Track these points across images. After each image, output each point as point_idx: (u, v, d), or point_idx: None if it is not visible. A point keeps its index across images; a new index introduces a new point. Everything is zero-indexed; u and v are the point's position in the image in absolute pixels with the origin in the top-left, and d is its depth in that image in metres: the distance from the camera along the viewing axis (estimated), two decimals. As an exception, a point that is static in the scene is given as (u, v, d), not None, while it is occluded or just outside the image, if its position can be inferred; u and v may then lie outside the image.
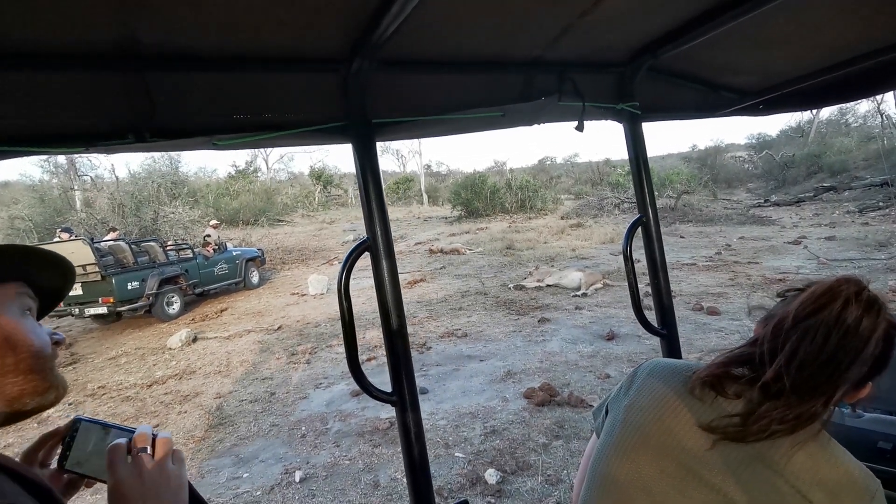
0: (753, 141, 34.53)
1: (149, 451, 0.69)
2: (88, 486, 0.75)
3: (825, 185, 20.67)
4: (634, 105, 1.58)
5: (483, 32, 1.18)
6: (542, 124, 1.49)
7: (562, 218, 20.05)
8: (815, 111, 32.17)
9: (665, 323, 1.62)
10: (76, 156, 23.67)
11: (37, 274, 0.73)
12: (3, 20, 0.79)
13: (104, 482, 0.69)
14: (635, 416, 0.86)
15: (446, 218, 23.56)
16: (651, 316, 1.63)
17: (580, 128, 1.47)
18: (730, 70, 1.73)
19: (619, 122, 1.62)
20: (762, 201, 21.00)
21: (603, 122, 1.61)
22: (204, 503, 0.76)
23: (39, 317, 0.76)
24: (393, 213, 27.50)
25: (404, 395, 1.17)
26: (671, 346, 1.63)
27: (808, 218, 15.94)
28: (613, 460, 0.84)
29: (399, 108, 1.23)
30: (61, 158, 23.86)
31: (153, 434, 0.72)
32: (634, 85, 1.56)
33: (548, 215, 21.78)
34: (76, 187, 21.13)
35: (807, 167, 24.53)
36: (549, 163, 48.75)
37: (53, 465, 0.76)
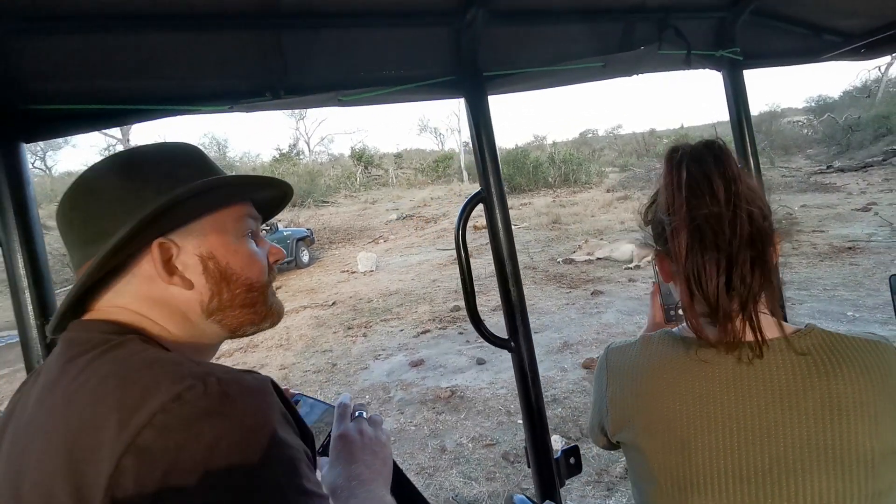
0: (813, 104, 32.37)
1: (366, 416, 0.81)
2: None
3: (895, 147, 19.23)
4: (735, 51, 1.52)
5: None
6: (641, 74, 1.46)
7: (608, 191, 19.57)
8: (882, 68, 29.77)
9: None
10: (131, 140, 24.81)
11: (259, 192, 0.74)
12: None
13: None
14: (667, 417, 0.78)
15: (488, 194, 23.39)
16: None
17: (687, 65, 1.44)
18: (835, 11, 1.64)
19: (717, 70, 1.56)
20: (824, 167, 19.75)
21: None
22: (407, 480, 0.84)
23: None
24: (433, 191, 27.54)
25: (519, 340, 1.20)
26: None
27: (877, 184, 14.93)
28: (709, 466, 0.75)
29: (507, 60, 1.23)
30: (119, 146, 25.06)
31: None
32: (736, 30, 1.50)
33: (592, 189, 21.29)
34: (134, 174, 22.18)
35: (874, 130, 22.77)
36: (590, 135, 47.39)
37: None
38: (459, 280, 1.18)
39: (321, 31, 1.04)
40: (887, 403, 0.71)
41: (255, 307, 0.68)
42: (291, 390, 0.87)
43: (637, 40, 1.40)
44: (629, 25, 1.39)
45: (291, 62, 1.03)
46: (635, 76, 1.48)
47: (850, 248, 8.02)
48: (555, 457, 1.23)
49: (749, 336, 0.74)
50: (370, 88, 1.10)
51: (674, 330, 0.87)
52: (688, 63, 1.49)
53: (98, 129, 0.97)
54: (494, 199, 1.18)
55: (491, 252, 1.22)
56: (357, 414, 0.80)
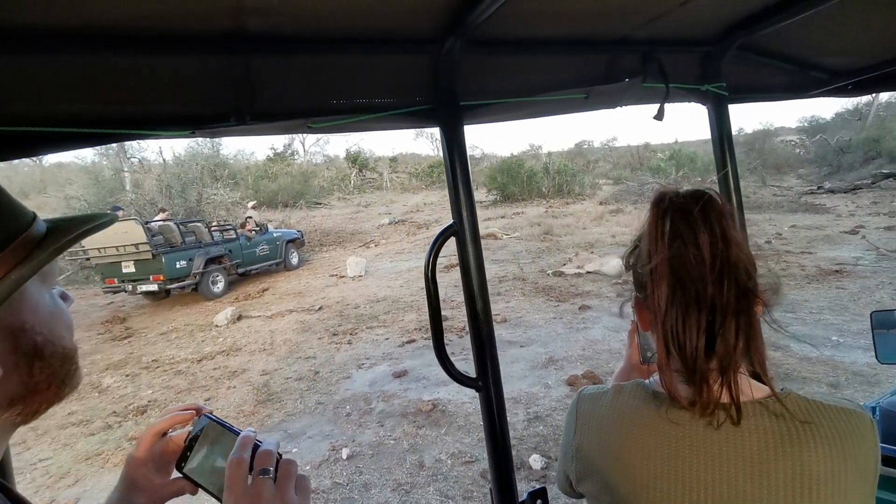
0: (805, 124, 32.77)
1: (271, 473, 0.59)
2: (193, 493, 0.69)
3: (884, 171, 19.45)
4: (721, 86, 1.50)
5: (576, 10, 1.14)
6: (625, 107, 1.43)
7: (600, 203, 19.64)
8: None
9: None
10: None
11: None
12: (120, 4, 0.80)
13: (216, 498, 0.63)
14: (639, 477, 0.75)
15: (481, 202, 23.40)
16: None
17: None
18: (823, 49, 1.63)
19: (702, 104, 1.55)
20: (815, 188, 19.98)
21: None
22: None
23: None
24: (427, 196, 27.52)
25: (489, 380, 1.16)
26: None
27: (866, 206, 15.10)
28: None
29: (486, 90, 1.20)
30: (111, 141, 24.76)
31: (278, 455, 0.62)
32: (722, 65, 1.48)
33: (586, 200, 21.38)
34: (126, 169, 21.99)
35: (864, 152, 23.13)
36: (585, 147, 47.69)
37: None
38: (428, 315, 1.14)
39: (291, 57, 1.01)
40: (857, 478, 0.68)
41: (61, 379, 0.54)
42: (203, 407, 0.72)
43: (621, 72, 1.38)
44: (613, 57, 1.37)
45: (259, 87, 0.99)
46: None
47: (837, 272, 8.07)
48: (520, 499, 1.20)
49: (725, 398, 0.71)
50: (342, 116, 1.06)
51: (647, 382, 0.84)
52: (672, 97, 1.47)
53: (51, 153, 0.92)
54: (467, 233, 1.14)
55: (462, 286, 1.18)
56: (260, 473, 0.59)
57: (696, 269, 0.70)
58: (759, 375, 0.73)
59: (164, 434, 0.72)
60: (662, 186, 0.78)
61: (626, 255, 0.86)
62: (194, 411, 0.71)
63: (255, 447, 0.62)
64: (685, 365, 0.71)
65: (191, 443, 0.68)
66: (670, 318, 0.71)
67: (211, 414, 0.70)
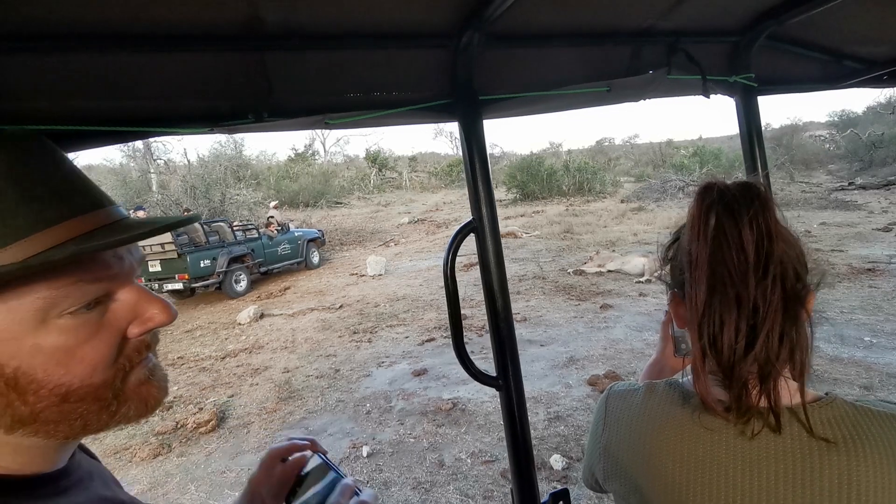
0: (836, 119, 31.77)
1: None
2: None
3: (920, 166, 18.82)
4: (749, 77, 1.45)
5: (597, 1, 1.11)
6: (649, 100, 1.40)
7: (622, 201, 19.38)
8: (909, 85, 29.10)
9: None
10: (151, 139, 25.19)
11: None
12: (136, 2, 0.80)
13: None
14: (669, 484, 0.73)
15: (501, 200, 23.31)
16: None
17: (706, 94, 1.37)
18: (857, 38, 1.56)
19: (730, 96, 1.50)
20: (846, 184, 19.37)
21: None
22: None
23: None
24: (446, 195, 27.54)
25: (509, 379, 1.15)
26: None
27: (900, 203, 14.58)
28: None
29: (505, 84, 1.18)
30: (139, 143, 25.44)
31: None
32: (751, 55, 1.43)
33: (607, 198, 21.11)
34: (152, 170, 22.52)
35: (898, 147, 22.39)
36: (606, 144, 47.19)
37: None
38: (448, 313, 1.13)
39: (308, 53, 1.00)
40: None
41: (84, 418, 0.46)
42: (317, 443, 0.74)
43: (645, 65, 1.34)
44: (637, 49, 1.33)
45: (276, 84, 0.99)
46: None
47: (869, 270, 7.81)
48: (542, 500, 1.17)
49: (763, 404, 0.67)
50: (359, 111, 1.06)
51: (680, 381, 0.81)
52: (699, 89, 1.43)
53: (70, 151, 0.93)
54: (487, 229, 1.12)
55: (482, 283, 1.16)
56: None
57: (739, 269, 0.65)
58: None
59: (285, 459, 0.73)
60: (711, 177, 0.73)
61: (664, 248, 0.82)
62: (310, 443, 0.74)
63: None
64: (722, 369, 0.67)
65: (300, 479, 0.70)
66: (708, 319, 0.67)
67: (324, 454, 0.73)
